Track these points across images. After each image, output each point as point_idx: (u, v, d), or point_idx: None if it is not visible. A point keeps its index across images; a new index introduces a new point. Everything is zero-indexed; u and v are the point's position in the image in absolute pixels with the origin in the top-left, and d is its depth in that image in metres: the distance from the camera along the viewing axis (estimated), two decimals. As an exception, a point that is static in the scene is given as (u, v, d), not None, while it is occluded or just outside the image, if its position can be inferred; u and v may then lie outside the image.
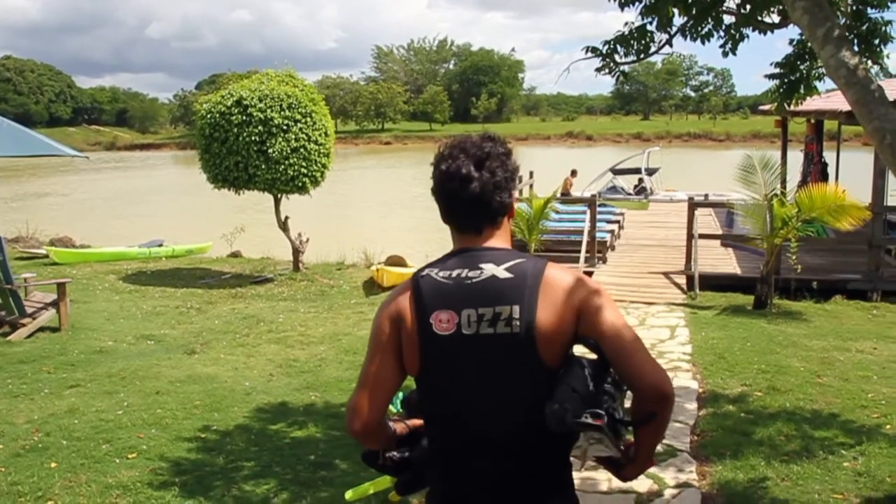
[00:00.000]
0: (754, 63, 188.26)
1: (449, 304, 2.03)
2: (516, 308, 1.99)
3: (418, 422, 2.23)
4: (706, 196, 19.21)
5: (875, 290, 11.83)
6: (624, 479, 2.14)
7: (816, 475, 4.93)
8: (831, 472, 4.99)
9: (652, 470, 5.07)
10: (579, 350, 2.04)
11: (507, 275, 2.02)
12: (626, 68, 5.60)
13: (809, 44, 6.95)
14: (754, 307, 10.81)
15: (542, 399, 1.95)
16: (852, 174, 16.97)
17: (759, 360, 7.86)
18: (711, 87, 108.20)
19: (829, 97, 16.15)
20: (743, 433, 5.71)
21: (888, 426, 5.94)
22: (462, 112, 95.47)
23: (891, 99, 4.24)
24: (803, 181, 16.87)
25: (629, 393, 2.00)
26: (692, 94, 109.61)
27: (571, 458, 2.12)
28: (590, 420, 1.89)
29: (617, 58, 5.42)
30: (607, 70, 5.50)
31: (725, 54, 5.80)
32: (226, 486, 5.04)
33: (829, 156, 18.40)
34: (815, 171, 16.98)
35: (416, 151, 69.35)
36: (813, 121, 17.19)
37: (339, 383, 7.30)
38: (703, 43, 5.47)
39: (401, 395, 2.33)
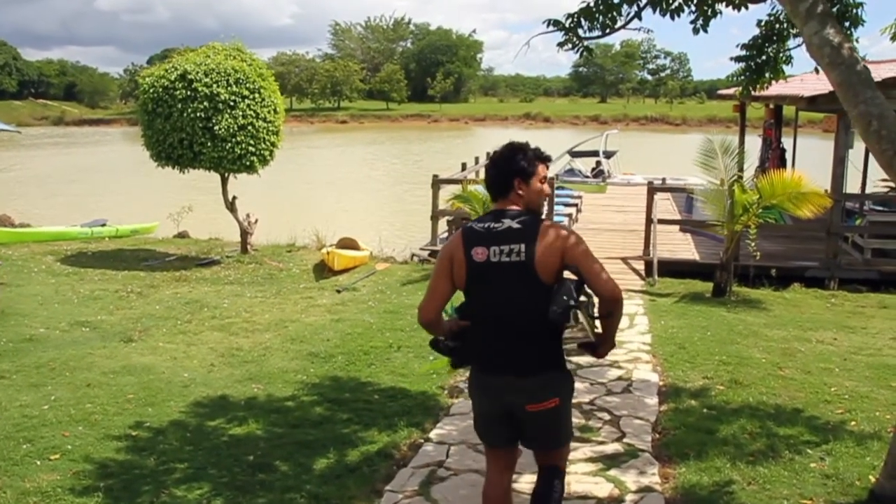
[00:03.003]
0: (711, 48, 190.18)
1: (483, 243, 3.30)
2: (523, 246, 3.25)
3: (465, 322, 3.45)
4: (664, 180, 19.13)
5: (832, 277, 11.76)
6: (599, 357, 3.55)
7: (783, 478, 4.70)
8: (798, 474, 4.76)
9: (612, 472, 4.81)
10: (567, 274, 3.31)
11: (518, 226, 3.29)
12: (590, 44, 5.24)
13: (779, 25, 6.76)
14: (713, 294, 10.64)
15: (539, 303, 3.22)
16: (809, 161, 16.98)
17: (720, 351, 7.66)
18: (668, 72, 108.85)
19: (788, 83, 16.11)
20: (706, 431, 5.47)
21: (853, 422, 5.76)
22: (419, 91, 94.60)
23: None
24: (761, 167, 16.81)
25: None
26: (649, 77, 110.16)
27: (564, 346, 3.37)
28: (574, 306, 3.18)
29: (581, 32, 5.07)
30: (570, 45, 5.16)
31: (696, 31, 5.50)
32: (155, 490, 4.64)
33: (786, 142, 18.36)
34: (774, 156, 16.92)
35: (373, 131, 68.69)
36: (772, 106, 17.10)
37: (283, 374, 6.91)
38: (672, 18, 5.15)
39: (452, 306, 3.57)
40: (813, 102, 11.97)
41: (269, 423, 5.72)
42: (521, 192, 3.35)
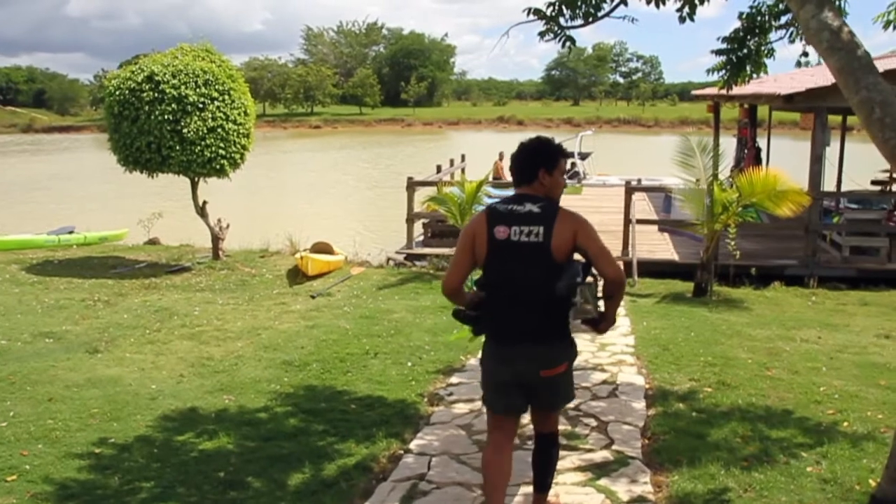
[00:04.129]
0: (682, 51, 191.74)
1: (505, 222, 3.62)
2: (541, 228, 3.57)
3: (483, 293, 3.75)
4: (639, 181, 19.02)
5: (812, 275, 11.68)
6: (600, 332, 3.86)
7: (780, 484, 4.51)
8: (795, 479, 4.57)
9: (602, 482, 4.60)
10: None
11: (538, 210, 3.62)
12: (572, 33, 5.03)
13: (760, 17, 6.61)
14: (694, 294, 10.50)
15: (551, 279, 3.58)
16: (784, 160, 16.87)
17: (705, 352, 7.49)
18: (640, 74, 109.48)
19: (762, 82, 16.07)
20: (697, 435, 5.27)
21: (845, 423, 5.60)
22: (393, 96, 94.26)
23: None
24: (737, 166, 16.74)
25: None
26: (621, 80, 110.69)
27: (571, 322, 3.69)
28: (579, 284, 3.61)
29: (562, 21, 4.86)
30: (552, 35, 4.94)
31: (682, 19, 5.32)
32: (119, 512, 4.36)
33: (760, 142, 18.33)
34: (749, 156, 16.88)
35: (346, 135, 68.32)
36: (746, 106, 17.05)
37: (256, 384, 6.63)
38: (657, 6, 4.95)
39: (473, 279, 3.93)
40: (790, 101, 11.89)
41: (241, 436, 5.45)
42: (544, 181, 3.72)
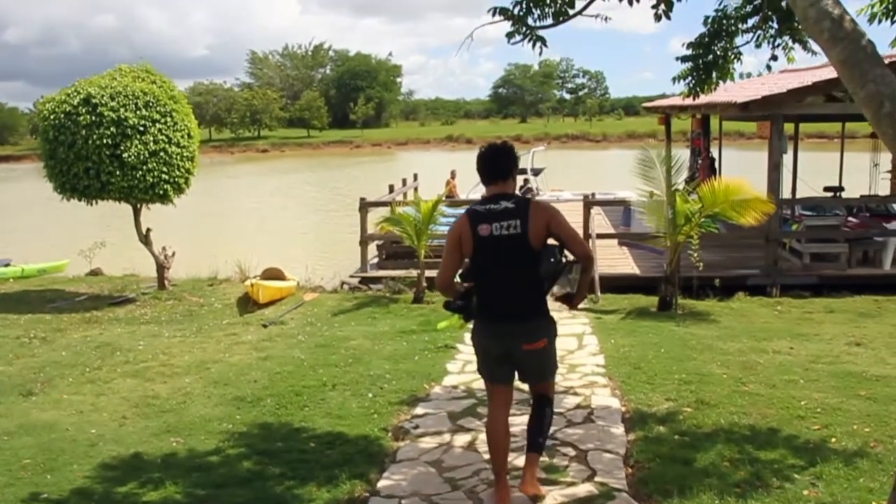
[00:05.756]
0: (626, 67, 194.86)
1: (486, 221, 4.16)
2: (518, 221, 4.13)
3: (469, 284, 4.35)
4: (593, 195, 18.86)
5: (774, 284, 11.55)
6: (573, 307, 4.63)
7: (779, 512, 4.19)
8: (793, 505, 4.26)
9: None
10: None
11: (513, 206, 4.18)
12: (542, 34, 4.69)
13: (726, 21, 6.39)
14: (659, 309, 10.26)
15: (531, 264, 4.17)
16: (737, 169, 16.89)
17: (679, 369, 7.21)
18: (586, 90, 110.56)
19: (714, 92, 16.02)
20: (684, 461, 4.94)
21: (833, 439, 5.34)
22: (340, 118, 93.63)
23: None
24: (691, 177, 16.66)
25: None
26: (568, 96, 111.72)
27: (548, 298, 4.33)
28: (556, 264, 4.21)
29: (531, 21, 4.53)
30: (520, 36, 4.60)
31: (658, 17, 5.04)
32: (50, 581, 3.86)
33: (712, 152, 18.30)
34: (704, 166, 16.82)
35: (294, 159, 67.54)
36: (699, 116, 17.02)
37: (206, 424, 6.14)
38: (630, 3, 4.65)
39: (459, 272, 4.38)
40: (745, 109, 11.79)
41: (191, 483, 4.96)
42: (514, 177, 4.35)
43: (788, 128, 15.70)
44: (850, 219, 13.06)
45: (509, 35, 4.62)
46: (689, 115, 17.29)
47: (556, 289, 4.31)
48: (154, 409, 6.62)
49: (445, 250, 4.33)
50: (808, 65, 13.97)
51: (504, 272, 4.19)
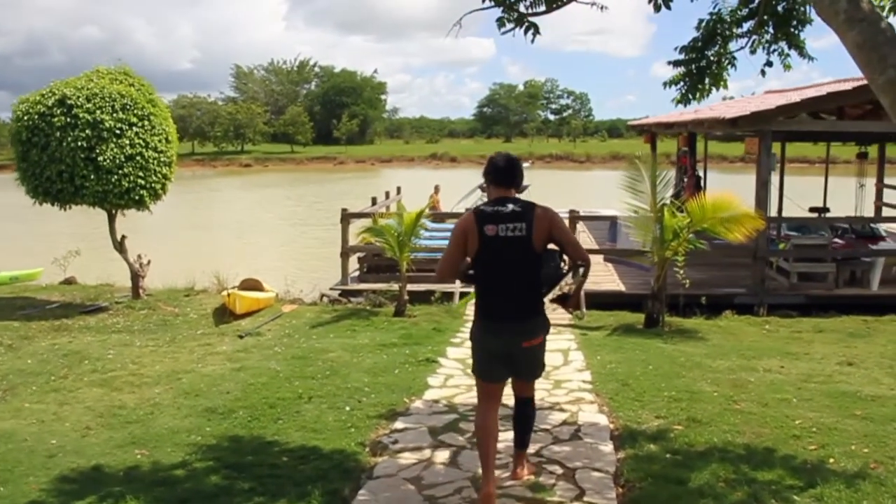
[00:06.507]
0: (609, 89, 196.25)
1: (493, 222, 4.32)
2: (523, 224, 4.31)
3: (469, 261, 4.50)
4: (578, 212, 18.69)
5: (762, 303, 11.39)
6: (567, 308, 4.77)
7: (779, 536, 3.95)
8: (794, 529, 4.02)
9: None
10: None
11: (519, 209, 4.34)
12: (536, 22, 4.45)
13: (721, 25, 6.21)
14: (646, 326, 10.04)
15: (533, 266, 4.35)
16: (721, 188, 16.78)
17: (668, 386, 6.97)
18: (571, 111, 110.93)
19: (698, 110, 15.95)
20: (677, 481, 4.69)
21: (831, 459, 5.12)
22: (325, 134, 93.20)
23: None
24: (677, 195, 16.53)
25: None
26: (552, 117, 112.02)
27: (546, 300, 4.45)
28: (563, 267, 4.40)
29: (523, 7, 4.30)
30: (511, 23, 4.37)
31: (658, 8, 4.83)
32: None
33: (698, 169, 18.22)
34: (690, 183, 16.69)
35: (277, 173, 67.09)
36: (686, 134, 16.92)
37: (173, 435, 5.82)
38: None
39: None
40: (734, 124, 11.66)
41: (153, 498, 4.66)
42: (516, 188, 4.49)
43: (775, 148, 15.64)
44: (836, 240, 12.93)
45: (500, 22, 4.39)
46: (676, 133, 17.20)
47: (551, 295, 4.41)
48: (120, 419, 6.30)
49: (450, 244, 4.48)
50: (795, 84, 13.94)
51: (507, 272, 4.34)
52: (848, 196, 17.15)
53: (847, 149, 26.27)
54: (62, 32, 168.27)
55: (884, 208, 17.52)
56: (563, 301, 4.48)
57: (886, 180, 18.19)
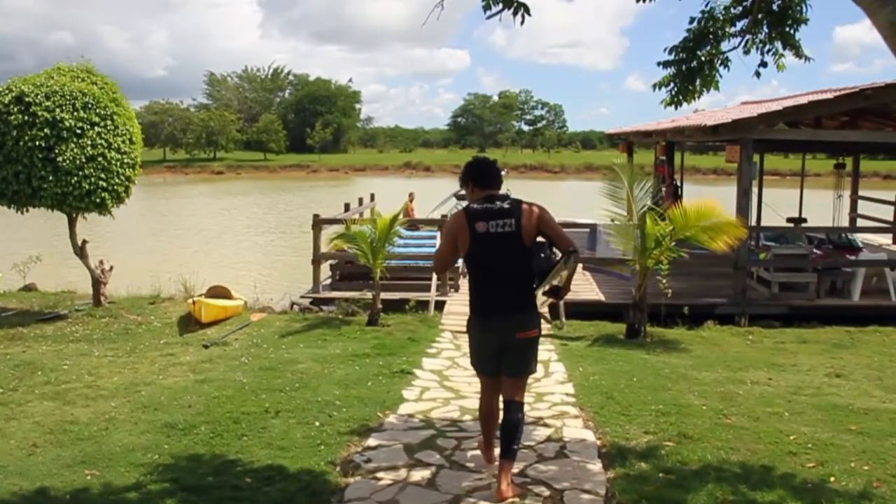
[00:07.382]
0: (583, 101, 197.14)
1: (483, 219, 4.47)
2: (512, 220, 4.46)
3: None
4: (556, 221, 18.42)
5: (743, 314, 11.15)
6: (558, 300, 5.07)
7: (788, 565, 3.63)
8: (803, 557, 3.70)
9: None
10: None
11: (507, 206, 4.52)
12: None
13: (713, 24, 5.93)
14: (627, 336, 9.75)
15: (524, 259, 4.48)
16: (698, 198, 16.60)
17: (654, 399, 6.66)
18: (545, 122, 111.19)
19: (676, 120, 15.75)
20: (673, 502, 4.36)
21: (832, 478, 4.83)
22: (298, 142, 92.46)
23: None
24: (656, 204, 16.30)
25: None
26: (526, 128, 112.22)
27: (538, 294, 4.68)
28: (553, 258, 4.50)
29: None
30: (500, 6, 4.04)
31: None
32: None
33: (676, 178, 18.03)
34: (668, 192, 16.47)
35: (249, 181, 66.39)
36: (664, 143, 16.72)
37: (128, 454, 5.39)
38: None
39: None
40: (716, 132, 11.44)
41: (101, 524, 4.24)
42: (499, 186, 4.66)
43: (754, 158, 15.49)
44: (815, 251, 12.75)
45: (486, 5, 4.07)
46: (654, 141, 17.01)
47: (544, 287, 4.56)
48: (71, 436, 5.85)
49: (442, 244, 4.79)
50: (773, 96, 13.76)
51: (499, 267, 4.48)
52: (824, 208, 17.06)
53: (819, 162, 26.40)
54: (34, 38, 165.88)
55: (858, 219, 17.46)
56: (556, 293, 4.63)
57: (862, 192, 18.16)
